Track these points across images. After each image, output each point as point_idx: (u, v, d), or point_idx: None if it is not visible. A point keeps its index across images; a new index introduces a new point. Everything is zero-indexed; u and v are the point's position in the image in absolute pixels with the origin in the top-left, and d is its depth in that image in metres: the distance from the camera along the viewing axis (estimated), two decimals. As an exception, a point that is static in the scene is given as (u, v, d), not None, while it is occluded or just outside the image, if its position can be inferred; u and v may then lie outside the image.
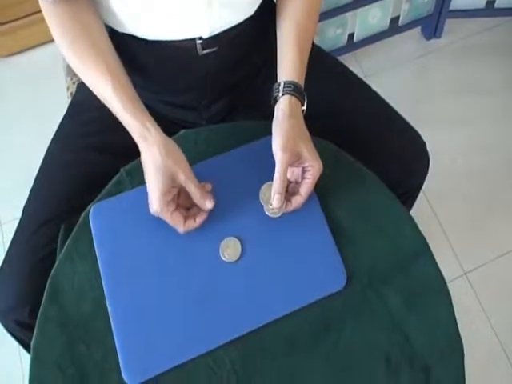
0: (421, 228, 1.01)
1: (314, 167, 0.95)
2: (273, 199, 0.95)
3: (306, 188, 0.96)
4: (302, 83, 1.02)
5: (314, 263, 0.96)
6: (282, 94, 0.99)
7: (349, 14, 1.95)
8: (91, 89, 1.00)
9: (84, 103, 1.22)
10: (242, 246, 0.97)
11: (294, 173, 0.98)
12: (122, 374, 0.89)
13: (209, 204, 0.95)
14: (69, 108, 1.26)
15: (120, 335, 0.91)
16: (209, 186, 0.97)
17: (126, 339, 0.91)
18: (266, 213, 0.98)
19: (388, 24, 2.07)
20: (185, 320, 0.93)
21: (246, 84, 1.21)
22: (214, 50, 1.09)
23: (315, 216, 1.00)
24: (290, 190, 0.99)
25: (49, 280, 0.96)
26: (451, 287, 0.96)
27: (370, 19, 2.01)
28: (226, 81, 1.19)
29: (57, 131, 1.22)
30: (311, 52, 1.08)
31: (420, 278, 0.96)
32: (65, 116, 1.24)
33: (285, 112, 0.98)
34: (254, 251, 0.97)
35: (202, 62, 1.11)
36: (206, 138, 1.06)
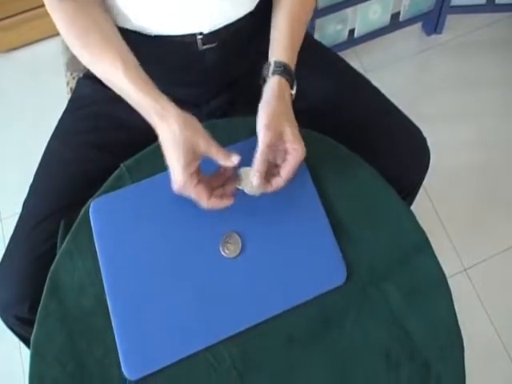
0: (421, 224, 1.01)
1: (296, 150, 0.94)
2: (252, 177, 0.94)
3: (286, 170, 0.95)
4: (292, 67, 1.02)
5: (315, 259, 0.96)
6: (272, 74, 0.99)
7: (349, 10, 1.95)
8: (102, 78, 0.99)
9: (84, 99, 1.22)
10: (242, 241, 0.97)
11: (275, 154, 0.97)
12: (122, 368, 0.89)
13: (235, 159, 0.93)
14: (68, 104, 1.26)
15: (120, 330, 0.91)
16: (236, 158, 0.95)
17: (126, 334, 0.91)
18: (245, 190, 0.97)
19: (389, 20, 2.07)
20: (185, 315, 0.93)
21: (246, 80, 1.21)
22: (214, 45, 1.09)
23: (315, 211, 1.00)
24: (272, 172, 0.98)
25: (49, 275, 0.96)
26: (451, 283, 0.96)
27: (371, 15, 2.01)
28: (226, 76, 1.19)
29: (56, 127, 1.22)
30: (312, 47, 1.08)
31: (420, 273, 0.96)
32: (64, 112, 1.24)
33: (273, 92, 0.98)
34: (254, 247, 0.97)
35: (202, 57, 1.11)
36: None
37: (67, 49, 1.16)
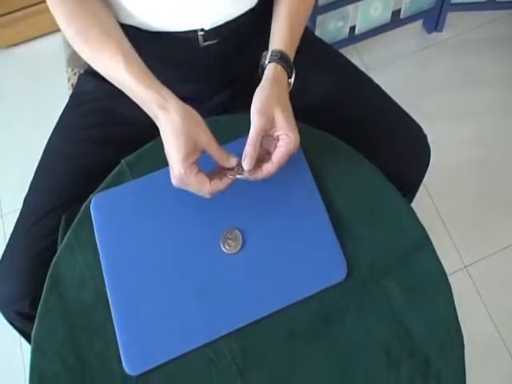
0: (421, 221, 1.01)
1: (289, 137, 0.93)
2: (243, 161, 0.93)
3: (277, 156, 0.93)
4: (289, 55, 1.01)
5: (315, 255, 0.96)
6: (269, 62, 0.99)
7: (350, 7, 1.95)
8: (102, 73, 0.99)
9: (85, 95, 1.22)
10: (242, 237, 0.97)
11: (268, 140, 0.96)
12: (123, 363, 0.89)
13: (233, 161, 0.93)
14: (70, 99, 1.26)
15: (121, 325, 0.91)
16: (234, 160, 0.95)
17: (127, 329, 0.91)
18: (237, 176, 0.95)
19: (389, 17, 2.07)
20: (185, 311, 0.93)
21: (247, 76, 1.21)
22: (215, 41, 1.09)
23: (316, 208, 1.00)
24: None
25: (49, 270, 0.96)
26: (451, 280, 0.96)
27: (372, 12, 2.01)
28: (227, 73, 1.19)
29: (58, 123, 1.22)
30: (313, 44, 1.08)
31: (420, 270, 0.97)
32: (66, 108, 1.24)
33: (269, 78, 0.97)
34: (254, 243, 0.97)
35: (203, 53, 1.11)
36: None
37: (68, 45, 1.16)
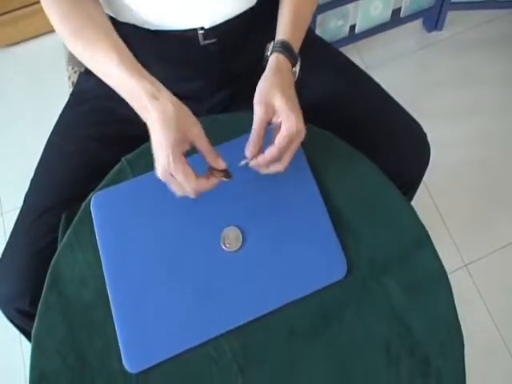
0: (421, 219, 1.01)
1: (289, 119, 0.92)
2: (246, 149, 0.93)
3: (278, 138, 0.92)
4: (293, 46, 1.01)
5: (315, 253, 0.96)
6: (271, 53, 0.99)
7: (350, 6, 1.95)
8: (95, 71, 0.97)
9: (85, 93, 1.22)
10: (242, 235, 0.97)
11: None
12: (123, 361, 0.89)
13: (222, 164, 0.92)
14: (70, 98, 1.26)
15: (121, 323, 0.92)
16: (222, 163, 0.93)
17: (127, 327, 0.91)
18: (240, 164, 0.95)
19: (389, 16, 2.07)
20: (185, 309, 0.93)
21: (247, 75, 1.21)
22: (215, 40, 1.09)
23: (316, 206, 1.00)
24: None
25: (50, 268, 0.97)
26: (451, 279, 0.96)
27: (372, 11, 2.01)
28: (227, 71, 1.19)
29: (58, 121, 1.22)
30: (313, 43, 1.08)
31: (421, 268, 0.97)
32: (66, 106, 1.24)
33: (271, 68, 0.97)
34: (254, 241, 0.97)
35: (203, 52, 1.11)
36: (207, 127, 1.05)
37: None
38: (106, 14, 1.10)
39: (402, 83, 2.11)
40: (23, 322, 1.10)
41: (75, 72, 1.36)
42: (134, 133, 1.04)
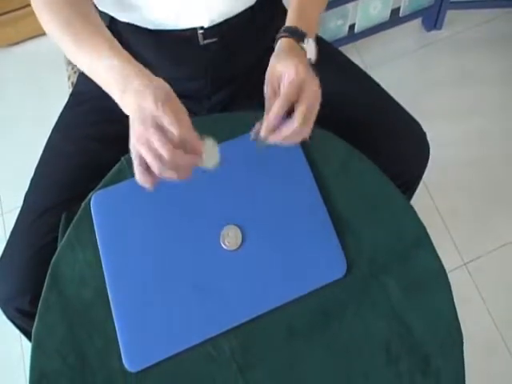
0: (421, 218, 1.01)
1: (288, 67, 0.89)
2: (262, 123, 0.90)
3: (282, 88, 0.90)
4: (298, 27, 0.97)
5: (315, 252, 0.96)
6: (275, 42, 0.97)
7: (350, 5, 1.95)
8: (84, 63, 0.94)
9: (85, 93, 1.22)
10: (242, 234, 0.97)
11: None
12: (123, 360, 0.89)
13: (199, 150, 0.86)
14: (70, 98, 1.26)
15: (121, 322, 0.92)
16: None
17: (127, 326, 0.92)
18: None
19: (389, 15, 2.07)
20: (185, 308, 0.93)
21: (247, 74, 1.21)
22: (215, 40, 1.09)
23: (316, 205, 1.00)
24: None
25: (50, 267, 0.97)
26: (451, 277, 0.96)
27: (371, 10, 2.01)
28: (227, 71, 1.19)
29: (57, 121, 1.22)
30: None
31: (420, 267, 0.97)
32: (65, 106, 1.24)
33: (277, 50, 0.96)
34: (254, 239, 0.97)
35: (203, 52, 1.11)
36: (206, 127, 1.06)
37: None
38: (106, 14, 1.10)
39: (401, 82, 2.11)
40: (23, 321, 1.10)
41: (75, 72, 1.36)
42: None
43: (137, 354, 0.90)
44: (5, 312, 1.10)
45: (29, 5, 2.08)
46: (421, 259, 0.97)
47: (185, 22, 1.06)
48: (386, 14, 2.06)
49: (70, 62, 1.38)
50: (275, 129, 0.90)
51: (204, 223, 0.98)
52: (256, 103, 1.10)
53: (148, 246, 0.97)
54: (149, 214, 0.99)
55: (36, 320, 0.93)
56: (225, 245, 0.96)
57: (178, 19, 1.06)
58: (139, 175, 0.84)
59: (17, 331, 1.17)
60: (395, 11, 2.08)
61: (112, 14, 1.10)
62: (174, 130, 0.82)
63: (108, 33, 0.94)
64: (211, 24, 1.07)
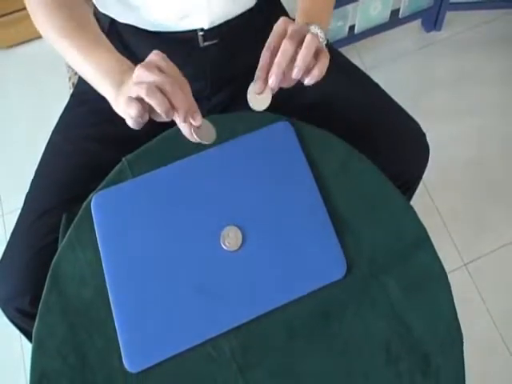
0: (421, 219, 1.01)
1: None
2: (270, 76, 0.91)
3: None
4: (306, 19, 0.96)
5: (315, 252, 0.97)
6: None
7: (350, 6, 1.96)
8: (74, 56, 0.96)
9: (85, 94, 1.22)
10: (242, 234, 0.97)
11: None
12: (123, 361, 0.89)
13: (197, 120, 0.88)
14: (70, 99, 1.26)
15: (121, 322, 0.92)
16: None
17: (127, 326, 0.92)
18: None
19: (388, 16, 2.07)
20: (185, 308, 0.93)
21: (247, 75, 1.21)
22: (215, 41, 1.09)
23: (315, 206, 1.00)
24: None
25: (50, 268, 0.97)
26: (451, 278, 0.96)
27: (371, 11, 2.01)
28: (227, 72, 1.19)
29: (58, 122, 1.22)
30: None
31: (420, 267, 0.97)
32: (66, 107, 1.25)
33: None
34: (254, 240, 0.98)
35: (203, 53, 1.12)
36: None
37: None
38: (107, 16, 1.11)
39: (401, 83, 2.11)
40: (23, 321, 1.10)
41: (75, 73, 1.36)
42: (134, 133, 1.04)
43: (137, 355, 0.90)
44: (5, 312, 1.10)
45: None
46: (421, 259, 0.97)
47: (185, 24, 1.07)
48: (385, 15, 2.06)
49: (70, 63, 1.38)
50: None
51: (204, 224, 0.98)
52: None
53: (148, 247, 0.97)
54: (149, 214, 0.99)
55: (36, 320, 0.93)
56: (225, 245, 0.97)
57: (179, 21, 1.06)
58: (129, 103, 0.87)
59: (17, 331, 1.17)
60: (395, 12, 2.08)
61: (113, 15, 1.10)
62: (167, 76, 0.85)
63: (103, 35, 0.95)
64: (211, 26, 1.07)
